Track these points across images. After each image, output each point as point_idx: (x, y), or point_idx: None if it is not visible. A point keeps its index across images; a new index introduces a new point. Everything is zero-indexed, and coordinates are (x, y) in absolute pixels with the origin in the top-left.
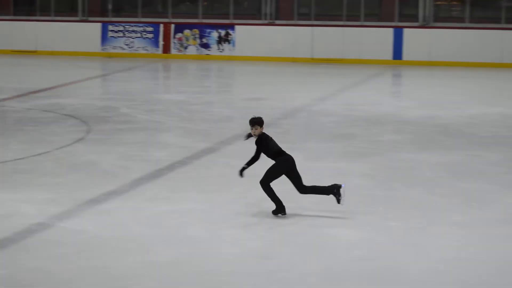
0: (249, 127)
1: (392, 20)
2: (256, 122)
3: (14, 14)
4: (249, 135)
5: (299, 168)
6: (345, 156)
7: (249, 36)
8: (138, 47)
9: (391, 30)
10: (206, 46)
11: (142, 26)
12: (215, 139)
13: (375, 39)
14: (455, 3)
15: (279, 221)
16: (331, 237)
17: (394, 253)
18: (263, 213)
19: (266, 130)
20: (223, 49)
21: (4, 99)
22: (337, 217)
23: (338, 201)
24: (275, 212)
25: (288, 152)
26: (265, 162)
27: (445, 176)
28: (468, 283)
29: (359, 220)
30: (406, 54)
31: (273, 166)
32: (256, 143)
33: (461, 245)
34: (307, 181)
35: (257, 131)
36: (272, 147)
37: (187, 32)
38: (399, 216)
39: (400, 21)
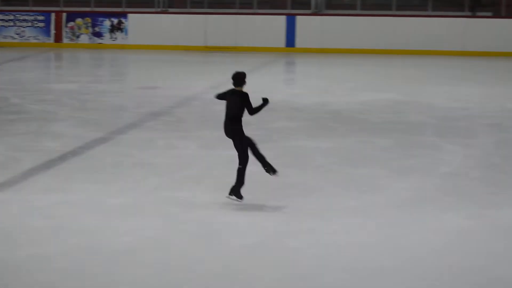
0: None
1: (284, 8)
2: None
3: None
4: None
5: (194, 157)
6: None
7: (142, 25)
8: (29, 36)
9: (283, 17)
10: (98, 35)
11: (33, 15)
12: (107, 128)
13: (268, 26)
14: None
15: (173, 209)
16: (224, 224)
17: (288, 238)
18: (157, 201)
19: (161, 119)
20: (116, 38)
21: None
22: (231, 204)
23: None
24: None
25: (180, 140)
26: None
27: (337, 163)
28: (359, 268)
29: (254, 207)
30: (299, 42)
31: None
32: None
33: (354, 230)
34: (201, 169)
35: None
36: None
37: (79, 20)
38: (294, 203)
39: (292, 8)
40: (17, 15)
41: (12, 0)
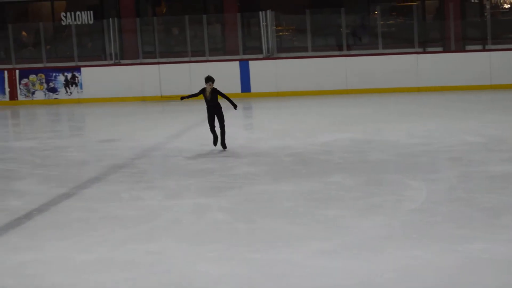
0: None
1: (237, 54)
2: (211, 79)
3: None
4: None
5: (160, 207)
6: (203, 192)
7: (96, 78)
8: None
9: (237, 63)
10: (53, 90)
11: None
12: (71, 183)
13: (222, 73)
14: (296, 32)
15: (144, 262)
16: (198, 273)
17: (258, 285)
18: (127, 254)
19: (123, 171)
20: (71, 92)
21: None
22: (202, 253)
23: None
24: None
25: (145, 191)
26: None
27: (304, 205)
28: None
29: (223, 255)
30: (254, 86)
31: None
32: (216, 90)
33: (323, 272)
34: (168, 219)
35: (211, 86)
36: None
37: (32, 77)
38: (262, 248)
39: (244, 54)
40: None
41: None
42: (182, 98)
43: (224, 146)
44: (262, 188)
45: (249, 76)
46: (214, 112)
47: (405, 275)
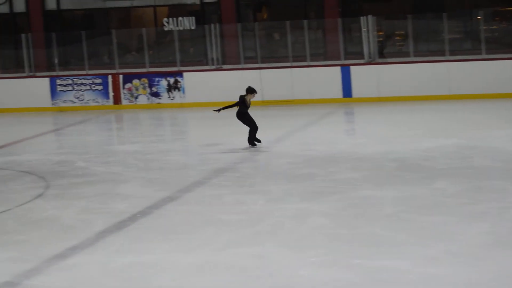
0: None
1: (338, 59)
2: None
3: None
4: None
5: (263, 211)
6: (306, 197)
7: (198, 83)
8: (88, 100)
9: (338, 68)
10: (156, 94)
11: (90, 79)
12: (174, 187)
13: (323, 78)
14: (398, 38)
15: (248, 265)
16: (301, 278)
17: None
18: (231, 258)
19: (226, 175)
20: (173, 97)
21: None
22: (304, 257)
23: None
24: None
25: (248, 195)
26: None
27: (406, 211)
28: None
29: (326, 260)
30: (356, 92)
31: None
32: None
33: (428, 279)
34: (271, 224)
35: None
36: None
37: (136, 81)
38: (365, 254)
39: (346, 59)
40: (75, 79)
41: (69, 65)
42: (220, 109)
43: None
44: (364, 194)
45: (351, 81)
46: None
47: (511, 283)
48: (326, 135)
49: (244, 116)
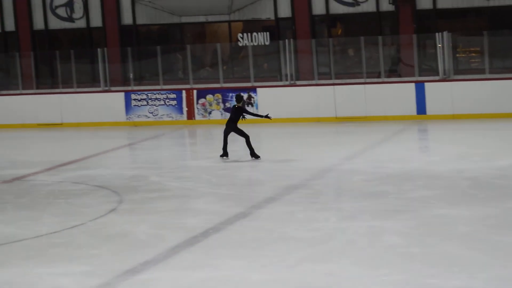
0: None
1: (412, 75)
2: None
3: (37, 88)
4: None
5: (335, 229)
6: (378, 214)
7: (271, 98)
8: (162, 115)
9: (412, 85)
10: (229, 110)
11: (164, 93)
12: (246, 203)
13: (397, 94)
14: (473, 54)
15: (319, 284)
16: None
17: None
18: (302, 276)
19: (298, 191)
20: None
21: (34, 173)
22: (376, 275)
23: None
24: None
25: (320, 212)
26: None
27: (482, 230)
28: None
29: (398, 279)
30: (430, 109)
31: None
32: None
33: None
34: (343, 242)
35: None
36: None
37: (209, 97)
38: (438, 273)
39: (420, 75)
40: (149, 94)
41: (144, 80)
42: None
43: (256, 156)
44: (437, 212)
45: (425, 98)
46: None
47: None
48: (399, 152)
49: (237, 128)
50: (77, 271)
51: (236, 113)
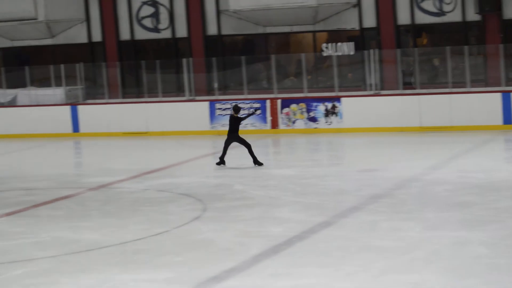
0: None
1: (498, 85)
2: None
3: (123, 97)
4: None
5: (420, 239)
6: (464, 225)
7: (355, 108)
8: (246, 124)
9: (499, 94)
10: (313, 119)
11: (249, 103)
12: (330, 212)
13: (483, 104)
14: None
15: None
16: None
17: None
18: (386, 285)
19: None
20: (331, 122)
21: (120, 181)
22: (461, 286)
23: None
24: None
25: (404, 222)
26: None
27: None
28: None
29: None
30: None
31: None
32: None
33: None
34: (428, 252)
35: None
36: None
37: (293, 106)
38: None
39: (507, 85)
40: (233, 104)
41: (228, 89)
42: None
43: (259, 163)
44: None
45: (511, 108)
46: None
47: None
48: (485, 162)
49: (239, 137)
50: (160, 278)
51: (234, 123)
